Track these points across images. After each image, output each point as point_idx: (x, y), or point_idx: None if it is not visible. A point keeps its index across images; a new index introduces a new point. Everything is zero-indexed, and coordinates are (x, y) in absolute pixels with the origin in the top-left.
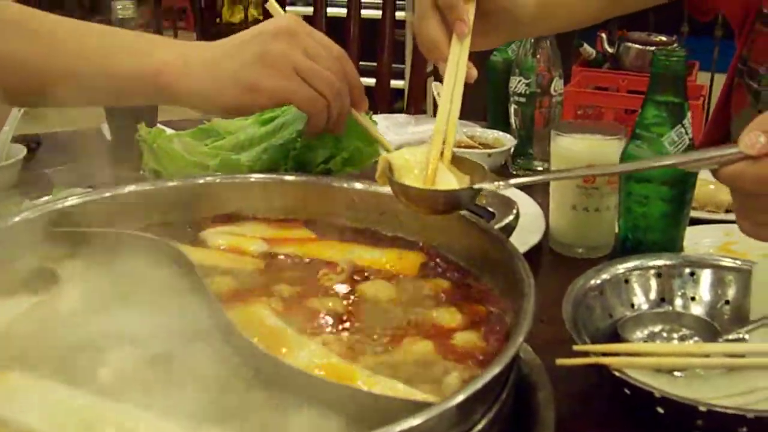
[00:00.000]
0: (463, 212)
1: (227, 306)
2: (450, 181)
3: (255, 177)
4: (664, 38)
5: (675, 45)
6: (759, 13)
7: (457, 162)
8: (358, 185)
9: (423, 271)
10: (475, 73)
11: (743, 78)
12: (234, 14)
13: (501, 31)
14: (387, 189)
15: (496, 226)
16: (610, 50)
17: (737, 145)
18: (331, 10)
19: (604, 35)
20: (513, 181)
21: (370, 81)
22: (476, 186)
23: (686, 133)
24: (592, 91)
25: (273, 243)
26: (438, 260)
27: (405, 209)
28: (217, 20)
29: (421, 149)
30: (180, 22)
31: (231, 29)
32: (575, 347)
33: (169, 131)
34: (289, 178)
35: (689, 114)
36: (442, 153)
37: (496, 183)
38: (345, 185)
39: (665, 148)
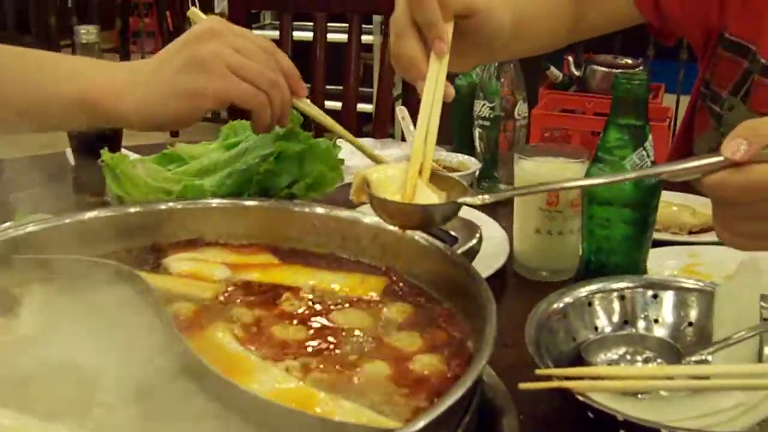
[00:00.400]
0: (426, 236)
1: (188, 333)
2: (429, 197)
3: (217, 202)
4: (629, 61)
5: (640, 68)
6: (720, 37)
7: (436, 179)
8: (319, 210)
9: (385, 295)
10: (452, 91)
11: (706, 101)
12: None
13: (477, 52)
14: (348, 213)
15: (459, 251)
16: (576, 73)
17: (720, 153)
18: (298, 34)
19: (570, 58)
20: (495, 194)
21: (337, 105)
22: (459, 200)
23: (648, 156)
24: (558, 114)
25: (235, 268)
26: (401, 284)
27: (369, 233)
28: None
29: (397, 166)
30: (148, 46)
31: None
32: (538, 371)
33: (132, 156)
34: (250, 203)
35: (651, 137)
36: (420, 171)
37: (479, 197)
38: (307, 210)
39: (627, 170)
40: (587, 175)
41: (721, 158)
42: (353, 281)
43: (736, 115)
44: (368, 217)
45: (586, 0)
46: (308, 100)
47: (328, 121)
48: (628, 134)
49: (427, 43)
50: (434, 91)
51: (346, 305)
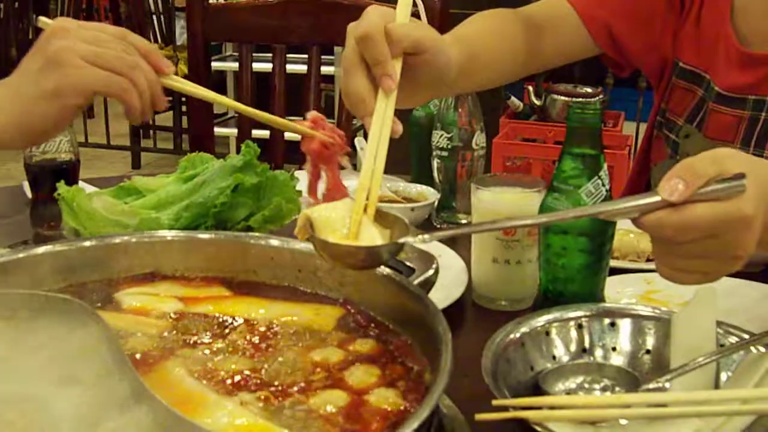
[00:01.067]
0: (383, 268)
1: (141, 369)
2: (373, 235)
3: (172, 235)
4: (589, 90)
5: (599, 96)
6: (675, 66)
7: (379, 217)
8: (275, 242)
9: (341, 327)
10: (400, 128)
11: (662, 130)
12: None
13: (427, 89)
14: (305, 246)
15: (416, 281)
16: (537, 102)
17: (657, 192)
18: (257, 66)
19: (530, 88)
20: (436, 234)
21: (297, 136)
22: (400, 240)
23: (603, 185)
24: (519, 143)
25: (188, 302)
26: (358, 316)
27: (325, 265)
28: None
29: (341, 204)
30: None
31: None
32: (494, 402)
33: (89, 189)
34: (205, 236)
35: (605, 166)
36: (365, 208)
37: (419, 237)
38: (262, 243)
39: (582, 199)
40: (543, 204)
41: (658, 198)
42: (307, 312)
43: (692, 143)
44: None
45: (541, 34)
46: (179, 77)
47: (211, 96)
48: (583, 163)
49: (375, 80)
50: (381, 127)
51: (302, 337)
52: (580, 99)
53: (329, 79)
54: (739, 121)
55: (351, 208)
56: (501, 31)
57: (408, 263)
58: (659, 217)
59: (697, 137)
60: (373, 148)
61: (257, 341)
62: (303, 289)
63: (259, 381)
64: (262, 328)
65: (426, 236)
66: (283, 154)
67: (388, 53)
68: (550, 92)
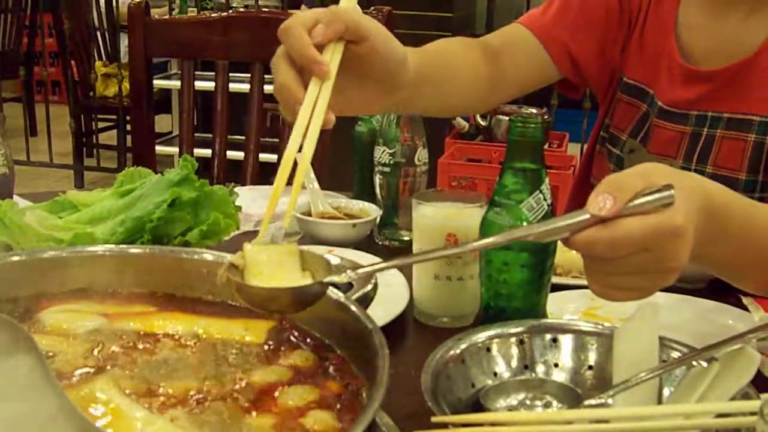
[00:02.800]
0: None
1: (66, 386)
2: (296, 278)
3: (103, 250)
4: (534, 110)
5: (544, 116)
6: (620, 81)
7: (302, 259)
8: (209, 257)
9: (273, 343)
10: (332, 118)
11: (605, 145)
12: (108, 87)
13: (380, 88)
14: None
15: (354, 297)
16: (482, 123)
17: (586, 210)
18: (199, 84)
19: None
20: (360, 270)
21: (239, 154)
22: (325, 280)
23: (544, 200)
24: (465, 163)
25: (113, 318)
26: (294, 332)
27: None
28: (91, 93)
29: (269, 249)
30: (53, 95)
31: (105, 102)
32: (433, 419)
33: (23, 203)
34: (137, 250)
35: (547, 180)
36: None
37: (344, 274)
38: (195, 257)
39: (524, 214)
40: (484, 219)
41: (587, 216)
42: (237, 327)
43: (636, 158)
44: None
45: (501, 60)
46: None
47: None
48: (524, 178)
49: (303, 74)
50: (311, 113)
51: (229, 352)
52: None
53: (274, 98)
54: (682, 136)
55: (287, 251)
56: (463, 53)
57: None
58: (589, 234)
59: (642, 152)
60: (298, 135)
61: (183, 357)
62: (239, 305)
63: (187, 398)
64: (189, 344)
65: (352, 273)
66: (224, 172)
67: (308, 41)
68: (495, 113)
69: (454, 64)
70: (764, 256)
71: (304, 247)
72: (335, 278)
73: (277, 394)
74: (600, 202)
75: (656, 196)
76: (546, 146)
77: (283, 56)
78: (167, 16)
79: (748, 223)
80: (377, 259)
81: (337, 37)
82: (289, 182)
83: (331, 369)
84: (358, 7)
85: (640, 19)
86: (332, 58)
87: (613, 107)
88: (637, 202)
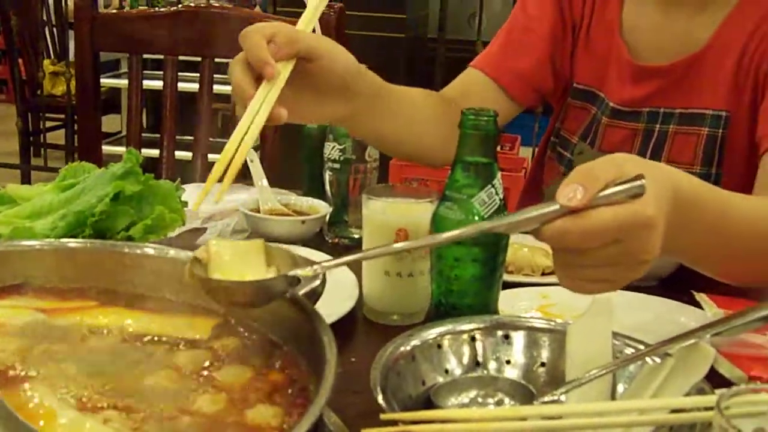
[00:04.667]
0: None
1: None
2: (260, 272)
3: (41, 244)
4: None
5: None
6: (571, 87)
7: (266, 254)
8: (151, 251)
9: (217, 339)
10: (283, 113)
11: (555, 149)
12: (56, 86)
13: (333, 98)
14: (184, 255)
15: (301, 292)
16: None
17: (556, 200)
18: (150, 83)
19: None
20: (326, 264)
21: (188, 155)
22: (290, 273)
23: (496, 194)
24: (417, 164)
25: (52, 313)
26: (240, 328)
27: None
28: (39, 92)
29: (243, 244)
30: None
31: (53, 101)
32: (383, 416)
33: None
34: (76, 244)
35: (499, 174)
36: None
37: (309, 268)
38: (138, 252)
39: (476, 208)
40: (435, 214)
41: (557, 206)
42: (181, 323)
43: (586, 159)
44: None
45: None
46: None
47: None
48: (476, 172)
49: (256, 75)
50: (258, 109)
51: (172, 348)
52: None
53: (225, 98)
54: (634, 134)
55: (254, 249)
56: (423, 96)
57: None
58: (559, 225)
59: (592, 153)
60: (246, 124)
61: (123, 354)
62: (184, 301)
63: (124, 396)
64: (130, 341)
65: (317, 267)
66: (172, 173)
67: (264, 46)
68: None
69: (416, 99)
70: (738, 247)
71: (271, 243)
72: (299, 272)
73: (219, 388)
74: (570, 192)
75: (627, 186)
76: (498, 148)
77: (240, 60)
78: (116, 11)
79: (720, 213)
80: (327, 257)
81: (290, 58)
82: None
83: (278, 364)
84: (318, 27)
85: (584, 24)
86: (284, 66)
87: (564, 112)
88: (607, 192)
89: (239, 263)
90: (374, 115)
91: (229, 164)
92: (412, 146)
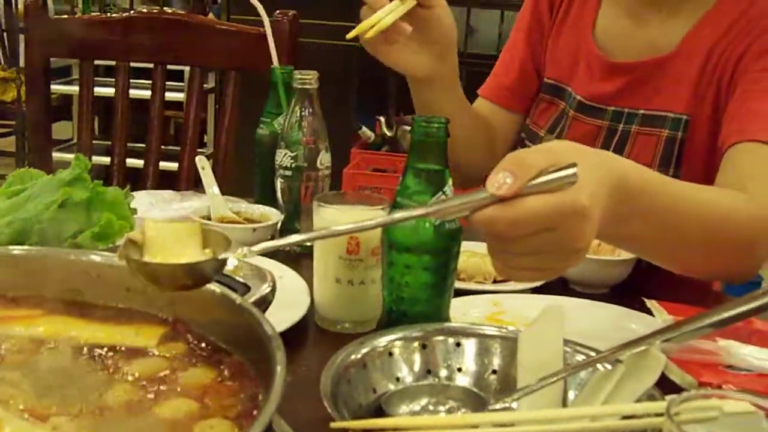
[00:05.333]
0: (217, 285)
1: None
2: (194, 254)
3: None
4: None
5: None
6: (542, 82)
7: (203, 236)
8: (98, 259)
9: (165, 347)
10: (408, 27)
11: (524, 143)
12: (6, 92)
13: (432, 49)
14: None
15: (251, 300)
16: (388, 133)
17: (485, 188)
18: (99, 90)
19: (382, 119)
20: (258, 247)
21: (140, 162)
22: (221, 256)
23: None
24: (370, 173)
25: None
26: (189, 336)
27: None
28: None
29: (180, 225)
30: None
31: (3, 108)
32: (332, 424)
33: None
34: (20, 251)
35: (450, 181)
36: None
37: (240, 250)
38: (83, 259)
39: (395, 211)
40: None
41: (486, 194)
42: (128, 332)
43: None
44: None
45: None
46: None
47: None
48: (427, 179)
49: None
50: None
51: (120, 358)
52: None
53: (177, 105)
54: (599, 130)
55: (190, 230)
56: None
57: (244, 281)
58: (488, 213)
59: None
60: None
61: (69, 363)
62: (132, 308)
63: (69, 404)
64: (77, 349)
65: (246, 249)
66: (124, 179)
67: None
68: (401, 123)
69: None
70: (692, 238)
71: (206, 224)
72: (230, 254)
73: (167, 397)
74: (499, 180)
75: (558, 174)
76: None
77: None
78: (67, 16)
79: (671, 203)
80: (278, 264)
81: None
82: None
83: (227, 373)
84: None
85: (558, 20)
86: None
87: (534, 107)
88: (538, 180)
89: (175, 245)
90: (450, 96)
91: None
92: (463, 147)
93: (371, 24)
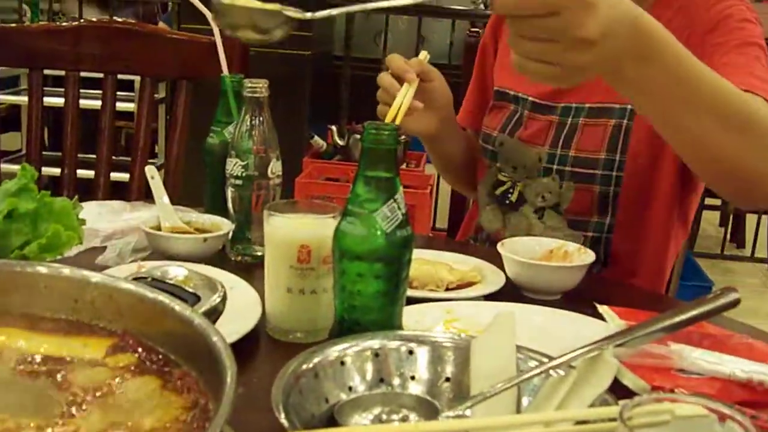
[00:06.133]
0: (166, 295)
1: None
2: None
3: None
4: None
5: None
6: (494, 90)
7: None
8: (43, 270)
9: (113, 359)
10: (420, 104)
11: (480, 144)
12: None
13: (436, 113)
14: (80, 274)
15: (201, 310)
16: (340, 142)
17: None
18: (49, 100)
19: (334, 128)
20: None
21: (90, 173)
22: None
23: (399, 208)
24: (323, 182)
25: None
26: (138, 348)
27: (103, 294)
28: None
29: None
30: None
31: None
32: None
33: None
34: None
35: (401, 189)
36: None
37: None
38: (29, 270)
39: (378, 223)
40: (338, 229)
41: None
42: (75, 344)
43: (507, 148)
44: (101, 276)
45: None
46: None
47: None
48: (378, 187)
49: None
50: (401, 100)
51: (69, 370)
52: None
53: (128, 116)
54: (550, 125)
55: None
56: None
57: (194, 291)
58: None
59: (511, 142)
60: (396, 106)
61: (16, 375)
62: (80, 321)
63: (18, 417)
64: (24, 362)
65: (310, 14)
66: (74, 192)
67: (404, 63)
68: (353, 132)
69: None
70: (704, 98)
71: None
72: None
73: (115, 411)
74: None
75: None
76: (404, 166)
77: (386, 73)
78: (15, 25)
79: (682, 56)
80: (229, 275)
81: (419, 69)
82: None
83: (177, 384)
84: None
85: (503, 36)
86: (411, 85)
87: (486, 115)
88: None
89: None
90: (455, 138)
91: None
92: (467, 171)
93: (395, 110)
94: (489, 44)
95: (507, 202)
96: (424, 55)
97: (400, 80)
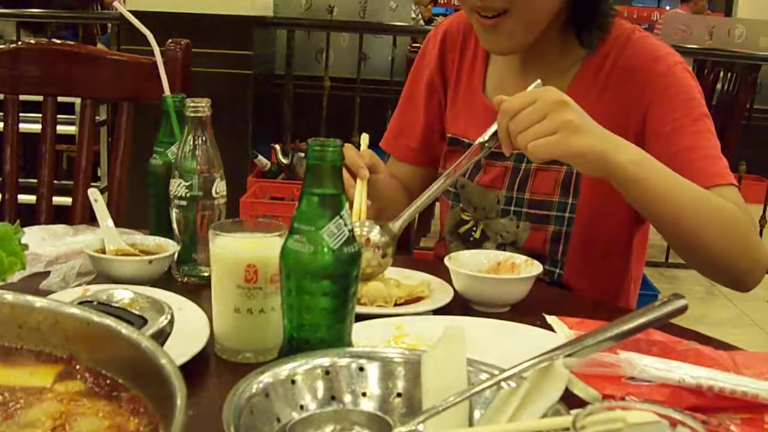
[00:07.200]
0: (113, 319)
1: None
2: None
3: None
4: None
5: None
6: (447, 137)
7: None
8: None
9: (61, 386)
10: (370, 203)
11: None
12: None
13: (388, 200)
14: (24, 299)
15: (148, 333)
16: (284, 161)
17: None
18: None
19: (278, 147)
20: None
21: (31, 198)
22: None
23: (345, 225)
24: (268, 201)
25: None
26: (86, 374)
27: (49, 319)
28: None
29: None
30: None
31: None
32: None
33: None
34: None
35: (347, 205)
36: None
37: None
38: None
39: (324, 240)
40: (284, 247)
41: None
42: (21, 373)
43: (468, 191)
44: (45, 301)
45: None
46: None
47: None
48: (323, 204)
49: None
50: (361, 195)
51: (15, 399)
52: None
53: (70, 139)
54: (506, 170)
55: None
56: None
57: (140, 314)
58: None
59: (472, 186)
60: (358, 204)
61: None
62: (24, 347)
63: None
64: None
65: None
66: (16, 217)
67: (357, 156)
68: (296, 151)
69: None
70: (689, 202)
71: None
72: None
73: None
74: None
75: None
76: None
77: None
78: None
79: (670, 172)
80: (176, 296)
81: (369, 162)
82: None
83: (126, 409)
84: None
85: (452, 84)
86: (363, 181)
87: (443, 158)
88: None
89: None
90: (391, 198)
91: None
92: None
93: (358, 211)
94: (437, 83)
95: (471, 239)
96: (365, 140)
97: (353, 174)
